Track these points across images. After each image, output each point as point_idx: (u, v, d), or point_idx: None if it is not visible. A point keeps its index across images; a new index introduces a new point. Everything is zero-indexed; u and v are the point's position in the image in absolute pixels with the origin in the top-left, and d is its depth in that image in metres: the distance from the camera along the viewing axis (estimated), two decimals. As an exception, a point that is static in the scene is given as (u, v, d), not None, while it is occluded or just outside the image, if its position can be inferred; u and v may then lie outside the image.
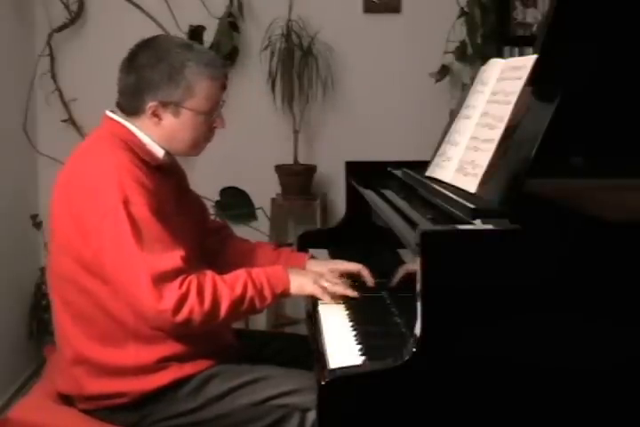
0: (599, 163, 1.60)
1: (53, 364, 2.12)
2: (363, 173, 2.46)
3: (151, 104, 1.86)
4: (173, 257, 1.73)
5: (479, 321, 1.39)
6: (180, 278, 1.72)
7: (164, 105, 1.86)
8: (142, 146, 1.88)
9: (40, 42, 3.35)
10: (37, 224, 3.40)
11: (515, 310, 1.40)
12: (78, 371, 1.84)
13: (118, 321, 1.79)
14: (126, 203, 1.73)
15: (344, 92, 3.43)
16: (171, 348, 1.81)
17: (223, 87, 1.93)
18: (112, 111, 1.93)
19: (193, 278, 1.73)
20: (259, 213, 3.47)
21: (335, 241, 2.43)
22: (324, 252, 2.37)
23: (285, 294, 1.86)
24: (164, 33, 3.28)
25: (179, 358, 1.81)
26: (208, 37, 3.29)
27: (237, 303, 1.77)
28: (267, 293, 1.82)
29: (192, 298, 1.71)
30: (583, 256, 1.41)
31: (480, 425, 1.43)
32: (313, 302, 1.93)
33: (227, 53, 3.28)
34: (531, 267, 1.40)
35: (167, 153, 1.92)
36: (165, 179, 1.92)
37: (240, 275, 1.82)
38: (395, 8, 3.40)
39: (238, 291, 1.78)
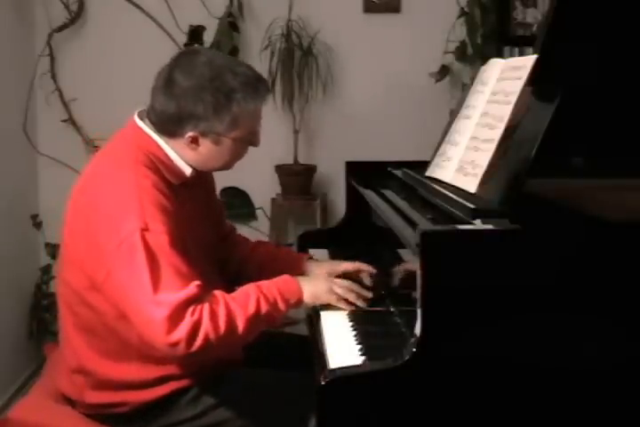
0: (599, 163, 1.60)
1: (53, 362, 2.12)
2: (363, 173, 2.46)
3: (191, 134, 1.78)
4: (189, 289, 1.64)
5: (479, 321, 1.39)
6: (193, 306, 1.63)
7: (205, 135, 1.78)
8: (169, 164, 1.80)
9: (40, 42, 3.35)
10: (37, 224, 3.41)
11: (515, 310, 1.40)
12: (80, 380, 1.83)
13: (123, 339, 1.75)
14: (145, 231, 1.64)
15: (344, 92, 3.43)
16: (175, 367, 1.78)
17: (260, 112, 1.85)
18: (139, 116, 1.85)
19: (205, 305, 1.64)
20: (259, 213, 3.47)
21: (335, 241, 2.43)
22: (324, 252, 2.37)
23: (299, 303, 1.82)
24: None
25: (181, 375, 1.79)
26: (208, 37, 3.29)
27: (253, 321, 1.70)
28: (281, 305, 1.76)
29: (206, 325, 1.62)
30: (583, 256, 1.41)
31: (480, 425, 1.43)
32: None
33: (227, 53, 3.27)
34: (531, 267, 1.39)
35: (193, 171, 1.84)
36: (189, 193, 1.86)
37: (251, 292, 1.74)
38: (395, 8, 3.40)
39: (252, 309, 1.70)
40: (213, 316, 1.64)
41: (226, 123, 1.77)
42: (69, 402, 1.90)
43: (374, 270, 2.01)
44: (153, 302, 1.61)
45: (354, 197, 2.45)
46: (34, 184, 3.43)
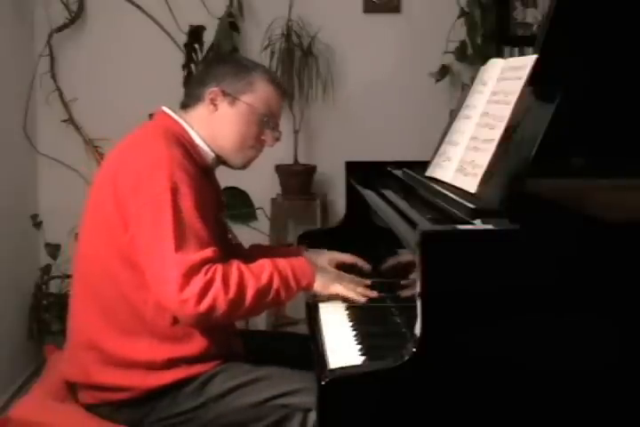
0: (599, 163, 1.60)
1: (54, 362, 2.12)
2: (363, 173, 2.46)
3: (212, 90, 1.93)
4: (206, 251, 1.73)
5: (479, 321, 1.39)
6: (206, 267, 1.71)
7: (224, 94, 1.93)
8: (194, 145, 1.92)
9: (40, 42, 3.35)
10: (37, 224, 3.41)
11: (515, 310, 1.40)
12: (88, 357, 1.84)
13: (137, 314, 1.80)
14: (175, 191, 1.74)
15: (344, 92, 3.43)
16: (182, 348, 1.81)
17: (281, 105, 2.03)
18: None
19: (218, 266, 1.73)
20: (259, 213, 3.47)
21: (335, 241, 2.43)
22: (324, 252, 2.37)
23: (309, 288, 1.87)
24: (165, 33, 3.29)
25: (187, 360, 1.81)
26: (208, 37, 3.29)
27: (263, 293, 1.77)
28: (292, 284, 1.82)
29: (217, 286, 1.70)
30: (583, 256, 1.41)
31: (480, 425, 1.43)
32: (313, 301, 1.93)
33: (227, 53, 3.27)
34: (530, 267, 1.39)
35: (215, 157, 1.96)
36: (209, 184, 1.96)
37: (266, 265, 1.81)
38: (395, 8, 3.40)
39: (264, 280, 1.77)
40: (225, 278, 1.72)
41: (242, 83, 1.94)
42: (72, 392, 1.90)
43: (369, 267, 2.08)
44: (172, 260, 1.69)
45: (354, 197, 2.45)
46: (34, 184, 3.44)
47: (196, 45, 3.29)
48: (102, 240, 1.82)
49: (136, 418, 1.82)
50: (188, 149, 1.89)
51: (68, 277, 3.38)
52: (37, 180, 3.45)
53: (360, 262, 2.13)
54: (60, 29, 3.33)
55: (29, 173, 3.41)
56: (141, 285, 1.77)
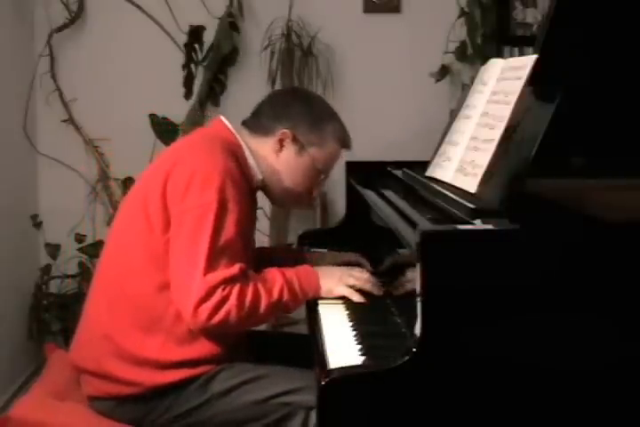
0: (599, 163, 1.60)
1: (54, 362, 2.12)
2: (363, 173, 2.46)
3: (284, 131, 1.93)
4: (233, 269, 1.75)
5: (479, 321, 1.39)
6: (229, 284, 1.74)
7: (294, 140, 1.94)
8: (246, 162, 1.92)
9: (40, 42, 3.35)
10: (37, 224, 3.41)
11: (515, 310, 1.40)
12: (101, 347, 1.84)
13: (158, 314, 1.81)
14: (222, 205, 1.75)
15: (344, 92, 3.42)
16: (195, 351, 1.82)
17: (338, 158, 2.05)
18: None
19: (237, 284, 1.75)
20: (259, 213, 3.45)
21: (335, 241, 2.43)
22: (324, 252, 2.37)
23: (316, 296, 1.91)
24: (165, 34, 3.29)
25: (196, 361, 1.82)
26: (208, 37, 3.29)
27: (274, 307, 1.81)
28: (300, 296, 1.87)
29: (232, 302, 1.73)
30: (583, 256, 1.41)
31: (480, 425, 1.43)
32: (313, 301, 1.93)
33: (227, 53, 3.27)
34: (531, 267, 1.40)
35: (262, 180, 1.96)
36: (253, 203, 1.99)
37: (277, 278, 1.84)
38: (395, 8, 3.40)
39: (275, 296, 1.81)
40: (241, 296, 1.75)
41: (315, 136, 1.95)
42: (75, 383, 1.91)
43: (370, 268, 2.11)
44: (199, 279, 1.71)
45: (354, 197, 2.45)
46: (34, 184, 3.43)
47: (196, 45, 3.29)
48: (138, 236, 1.82)
49: (138, 415, 1.82)
50: (241, 163, 1.89)
51: (68, 277, 3.39)
52: (37, 180, 3.45)
53: (363, 262, 2.16)
54: (60, 29, 3.33)
55: (29, 173, 3.41)
56: (166, 286, 1.79)
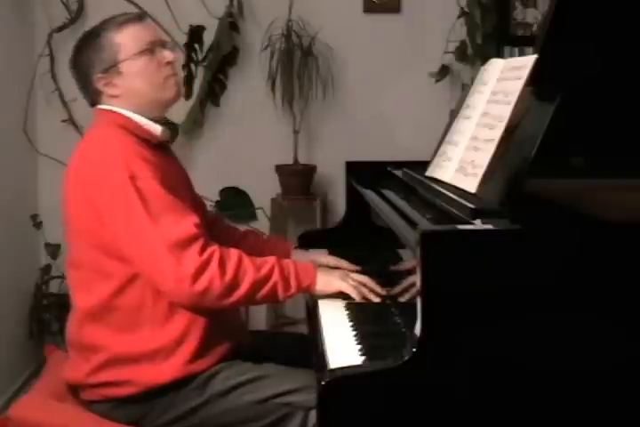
0: (599, 163, 1.60)
1: (54, 362, 2.12)
2: (363, 173, 2.46)
3: (96, 77, 1.90)
4: (186, 224, 1.75)
5: (479, 321, 1.39)
6: (198, 245, 1.74)
7: (105, 71, 1.90)
8: (139, 126, 1.91)
9: (40, 42, 3.35)
10: (37, 224, 3.41)
11: (515, 311, 1.40)
12: (93, 360, 1.84)
13: (136, 306, 1.81)
14: (133, 178, 1.76)
15: (344, 92, 3.43)
16: (186, 326, 1.81)
17: (147, 28, 1.96)
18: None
19: (216, 249, 1.76)
20: (259, 213, 3.47)
21: (335, 241, 2.43)
22: (324, 252, 2.37)
23: (311, 289, 1.88)
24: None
25: (186, 334, 1.81)
26: (208, 37, 3.29)
27: (259, 284, 1.78)
28: (292, 283, 1.83)
29: (213, 267, 1.73)
30: (583, 256, 1.41)
31: (480, 425, 1.43)
32: (313, 301, 1.93)
33: (227, 53, 3.28)
34: (531, 267, 1.39)
35: (164, 130, 1.94)
36: (170, 159, 1.99)
37: (269, 259, 1.84)
38: (395, 8, 3.40)
39: (263, 272, 1.79)
40: (222, 262, 1.74)
41: (106, 51, 1.89)
42: (72, 390, 1.90)
43: (358, 268, 2.04)
44: (154, 236, 1.72)
45: (354, 197, 2.45)
46: (34, 184, 3.44)
47: (196, 45, 3.29)
48: (86, 242, 1.83)
49: (136, 416, 1.82)
50: (136, 133, 1.88)
51: (68, 277, 3.39)
52: (37, 180, 3.45)
53: (345, 266, 2.06)
54: (60, 29, 3.33)
55: (29, 173, 3.41)
56: (135, 276, 1.79)
